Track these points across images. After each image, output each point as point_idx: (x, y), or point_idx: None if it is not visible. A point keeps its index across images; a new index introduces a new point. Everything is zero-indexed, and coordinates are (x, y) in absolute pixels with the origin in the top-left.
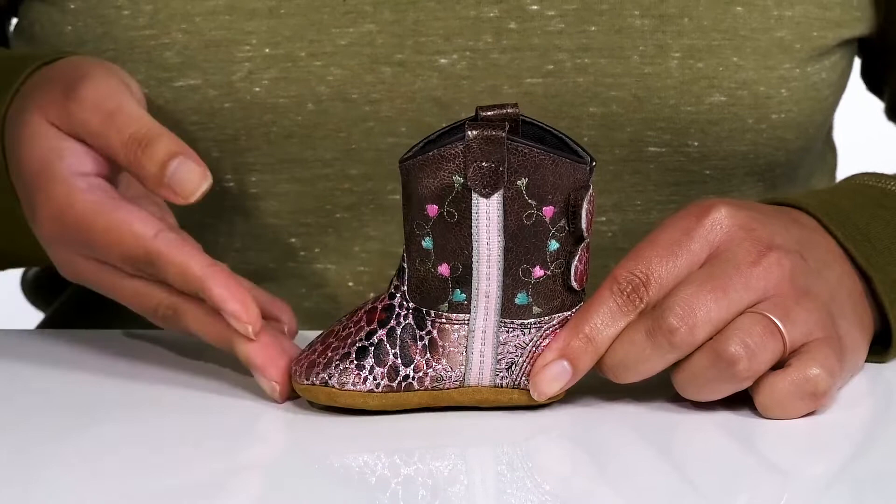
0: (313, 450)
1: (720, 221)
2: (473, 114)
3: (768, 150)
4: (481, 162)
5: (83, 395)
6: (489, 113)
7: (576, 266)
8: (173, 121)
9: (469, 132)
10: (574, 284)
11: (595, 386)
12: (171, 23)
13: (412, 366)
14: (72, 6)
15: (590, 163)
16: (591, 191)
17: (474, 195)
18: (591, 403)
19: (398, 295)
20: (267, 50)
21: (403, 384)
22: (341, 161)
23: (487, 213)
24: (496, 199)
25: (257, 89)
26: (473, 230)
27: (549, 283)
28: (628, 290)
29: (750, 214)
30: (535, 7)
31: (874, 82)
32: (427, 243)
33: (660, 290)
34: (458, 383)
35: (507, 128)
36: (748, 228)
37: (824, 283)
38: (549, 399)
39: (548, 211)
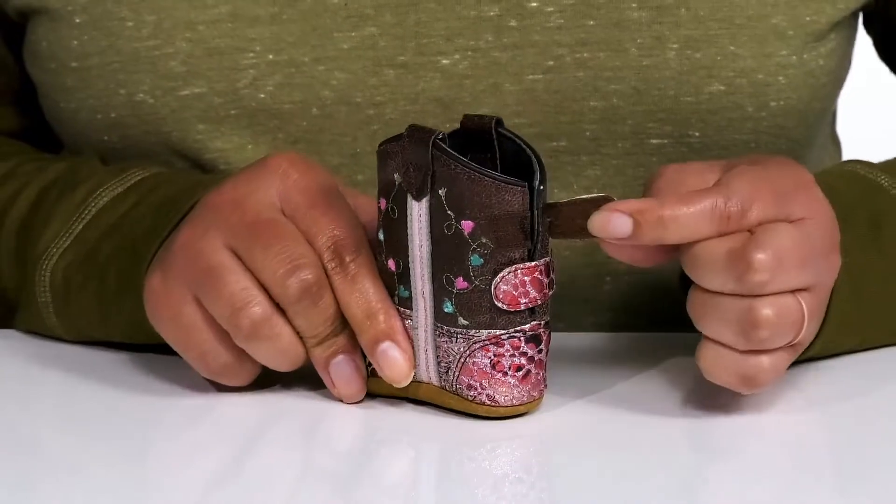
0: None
1: (819, 203)
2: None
3: (769, 138)
4: (411, 164)
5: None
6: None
7: (499, 285)
8: (180, 130)
9: (405, 133)
10: (498, 304)
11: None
12: (175, 32)
13: None
14: (77, 20)
15: (533, 187)
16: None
17: (409, 196)
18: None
19: None
20: (270, 56)
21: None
22: (348, 167)
23: (419, 215)
24: (425, 203)
25: (262, 96)
26: (408, 230)
27: (475, 296)
28: (733, 212)
29: (837, 215)
30: (534, 4)
31: (892, 59)
32: (381, 235)
33: (749, 223)
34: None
35: (440, 135)
36: (834, 224)
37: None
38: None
39: (466, 225)
